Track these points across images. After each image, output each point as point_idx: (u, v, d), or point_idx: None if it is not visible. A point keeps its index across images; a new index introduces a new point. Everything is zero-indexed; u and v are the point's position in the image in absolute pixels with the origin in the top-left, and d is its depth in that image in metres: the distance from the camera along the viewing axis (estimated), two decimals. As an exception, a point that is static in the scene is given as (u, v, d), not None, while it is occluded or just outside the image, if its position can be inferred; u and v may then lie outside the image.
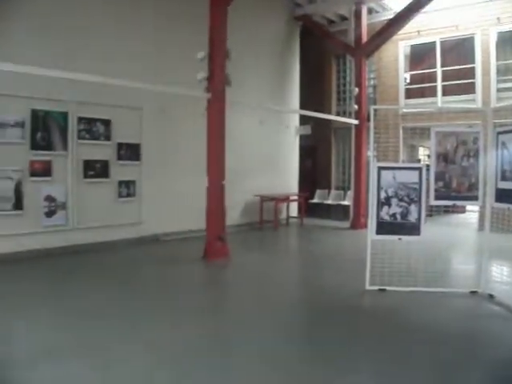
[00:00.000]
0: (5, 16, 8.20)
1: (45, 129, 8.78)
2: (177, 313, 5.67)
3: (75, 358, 4.27)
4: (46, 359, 4.23)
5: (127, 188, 9.97)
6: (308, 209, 14.71)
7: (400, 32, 13.17)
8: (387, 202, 6.60)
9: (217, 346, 4.68)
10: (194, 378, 3.95)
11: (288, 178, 14.29)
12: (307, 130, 14.75)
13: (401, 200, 6.59)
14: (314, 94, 15.67)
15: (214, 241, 8.70)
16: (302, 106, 14.41)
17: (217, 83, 8.65)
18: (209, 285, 7.40)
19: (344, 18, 15.17)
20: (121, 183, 9.87)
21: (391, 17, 13.23)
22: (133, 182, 10.05)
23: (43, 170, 8.75)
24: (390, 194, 6.60)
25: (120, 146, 9.85)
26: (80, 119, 9.23)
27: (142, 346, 4.59)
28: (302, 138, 14.93)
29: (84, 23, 9.19)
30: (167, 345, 4.63)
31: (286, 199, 13.64)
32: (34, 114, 8.65)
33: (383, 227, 6.61)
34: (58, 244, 8.88)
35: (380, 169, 6.62)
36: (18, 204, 8.50)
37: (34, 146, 8.67)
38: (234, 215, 11.61)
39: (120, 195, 9.87)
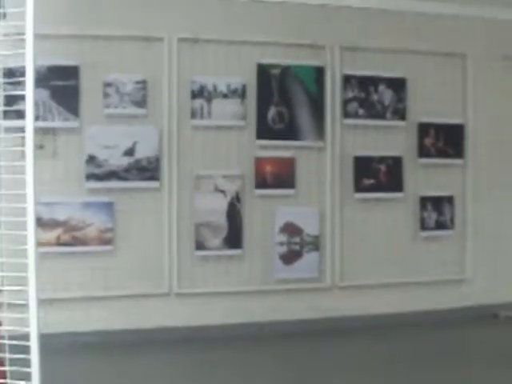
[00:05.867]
0: None
1: (282, 99, 5.31)
2: None
3: None
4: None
5: (437, 211, 5.79)
6: None
7: None
8: None
9: None
10: None
11: None
12: None
13: None
14: None
15: None
16: None
17: None
18: None
19: None
20: (425, 202, 5.78)
21: None
22: (449, 200, 5.81)
23: (280, 177, 5.35)
24: None
25: (424, 128, 5.70)
26: (347, 79, 5.46)
27: None
28: None
29: None
30: None
31: None
32: (262, 72, 5.23)
33: None
34: (298, 315, 5.33)
35: None
36: (234, 238, 5.21)
37: (263, 131, 5.28)
38: None
39: (423, 225, 5.78)
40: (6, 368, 2.30)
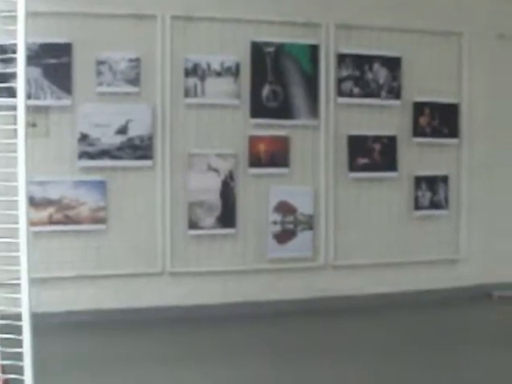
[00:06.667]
0: None
1: (276, 78, 5.13)
2: None
3: None
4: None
5: (432, 191, 5.64)
6: None
7: None
8: None
9: None
10: None
11: None
12: None
13: None
14: None
15: None
16: None
17: None
18: None
19: None
20: (419, 181, 5.63)
21: None
22: (443, 180, 5.66)
23: (274, 155, 5.21)
24: None
25: (419, 108, 5.53)
26: (341, 58, 5.26)
27: None
28: None
29: None
30: None
31: None
32: (256, 50, 5.03)
33: None
34: (292, 295, 5.17)
35: None
36: (227, 217, 5.06)
37: (257, 109, 5.09)
38: None
39: (417, 205, 5.62)
40: (-2, 349, 2.25)
